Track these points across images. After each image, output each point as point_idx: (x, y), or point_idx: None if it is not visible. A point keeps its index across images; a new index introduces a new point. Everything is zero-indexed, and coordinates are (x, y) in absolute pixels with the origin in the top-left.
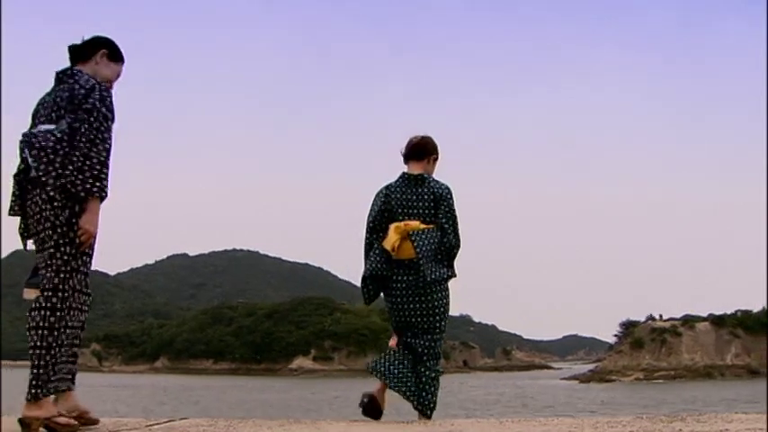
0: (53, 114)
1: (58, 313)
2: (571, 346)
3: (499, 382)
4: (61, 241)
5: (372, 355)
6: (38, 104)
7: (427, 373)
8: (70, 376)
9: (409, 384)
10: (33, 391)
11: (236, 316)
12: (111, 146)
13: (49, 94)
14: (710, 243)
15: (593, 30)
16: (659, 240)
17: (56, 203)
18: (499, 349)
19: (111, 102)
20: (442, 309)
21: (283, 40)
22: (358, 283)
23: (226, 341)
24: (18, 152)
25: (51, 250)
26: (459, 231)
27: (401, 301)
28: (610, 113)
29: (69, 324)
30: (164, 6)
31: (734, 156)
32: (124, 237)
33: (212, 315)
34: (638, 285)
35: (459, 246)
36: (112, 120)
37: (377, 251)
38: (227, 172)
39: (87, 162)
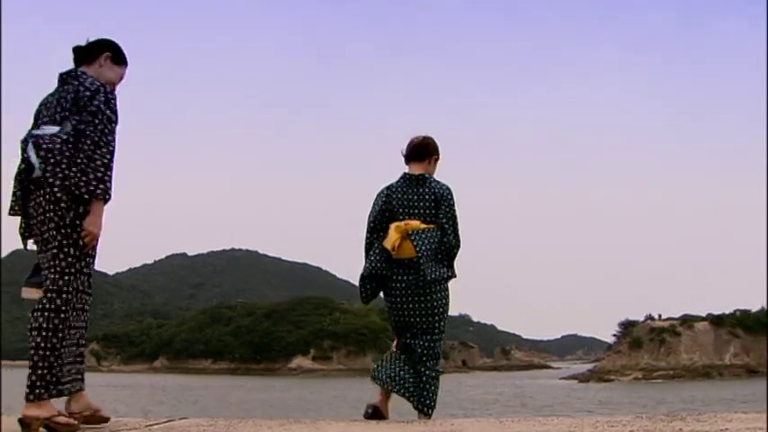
0: (57, 116)
1: (62, 315)
2: (570, 346)
3: (498, 381)
4: (65, 242)
5: (371, 355)
6: (40, 105)
7: (427, 372)
8: (80, 376)
9: (407, 386)
10: (37, 391)
11: (235, 316)
12: (114, 148)
13: (52, 95)
14: (709, 243)
15: (593, 30)
16: (658, 240)
17: (62, 205)
18: (498, 349)
19: (115, 104)
20: (441, 309)
21: (283, 40)
22: (357, 282)
23: (225, 341)
24: (20, 152)
25: (55, 251)
26: (460, 232)
27: (401, 300)
28: (610, 113)
29: (73, 324)
30: (164, 6)
31: (734, 156)
32: (123, 236)
33: (211, 315)
34: (636, 285)
35: (459, 246)
36: (116, 122)
37: (377, 250)
38: (226, 172)
39: (91, 164)
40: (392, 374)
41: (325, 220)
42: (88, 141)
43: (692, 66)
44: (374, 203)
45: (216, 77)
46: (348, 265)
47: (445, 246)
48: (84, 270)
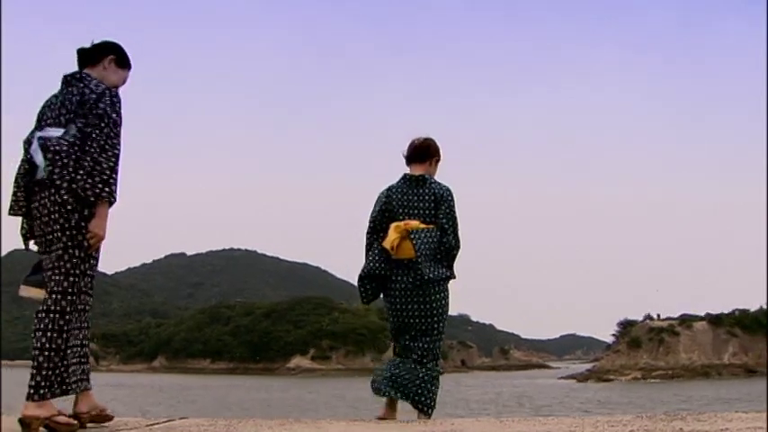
0: (61, 117)
1: (67, 316)
2: (569, 346)
3: (497, 381)
4: (71, 244)
5: (370, 355)
6: (43, 106)
7: (427, 373)
8: (85, 376)
9: (407, 391)
10: (42, 391)
11: (233, 315)
12: (120, 152)
13: (56, 97)
14: (708, 243)
15: (593, 30)
16: (657, 240)
17: (68, 207)
18: (497, 349)
19: (120, 108)
20: (440, 310)
21: (283, 40)
22: (356, 282)
23: (223, 340)
24: (22, 153)
25: (60, 252)
26: (459, 233)
27: (400, 302)
28: (610, 113)
29: (76, 325)
30: (164, 6)
31: (733, 156)
32: (122, 236)
33: (210, 314)
34: (635, 285)
35: (458, 247)
36: (121, 125)
37: (376, 251)
38: (225, 171)
39: (97, 167)
40: (391, 381)
41: (324, 220)
42: (94, 145)
43: (692, 66)
44: (375, 205)
45: (216, 77)
46: (347, 264)
47: (444, 246)
48: (89, 272)
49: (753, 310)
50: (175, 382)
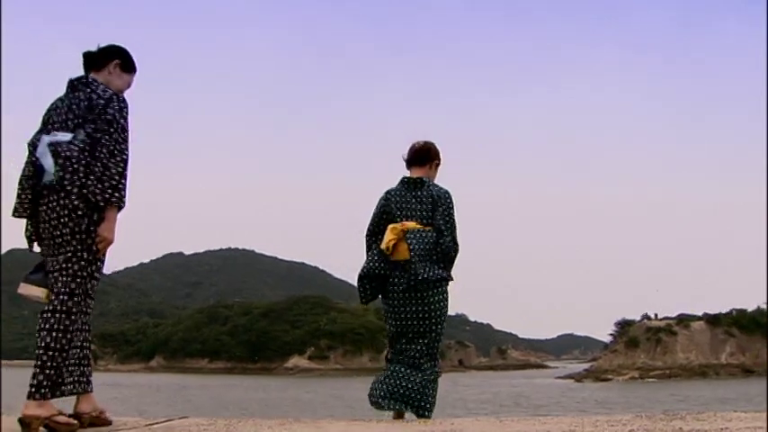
0: (69, 122)
1: (73, 317)
2: (566, 346)
3: (494, 381)
4: (80, 247)
5: (368, 354)
6: (49, 109)
7: (426, 377)
8: (85, 378)
9: (407, 399)
10: (43, 391)
11: (231, 315)
12: (128, 157)
13: (61, 100)
14: (706, 243)
15: (593, 30)
16: (655, 240)
17: (79, 212)
18: (494, 348)
19: (127, 113)
20: (438, 312)
21: (283, 40)
22: (354, 282)
23: (221, 340)
24: (27, 155)
25: (68, 255)
26: (458, 235)
27: (398, 304)
28: (610, 113)
29: (78, 327)
30: (164, 6)
31: (733, 156)
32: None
33: (208, 314)
34: (633, 285)
35: (456, 250)
36: (128, 130)
37: (374, 252)
38: (224, 171)
39: (107, 173)
40: (389, 393)
41: (322, 219)
42: (104, 150)
43: (691, 66)
44: (375, 208)
45: (216, 77)
46: (345, 264)
47: (441, 247)
48: (95, 275)
49: (750, 310)
50: (173, 381)
